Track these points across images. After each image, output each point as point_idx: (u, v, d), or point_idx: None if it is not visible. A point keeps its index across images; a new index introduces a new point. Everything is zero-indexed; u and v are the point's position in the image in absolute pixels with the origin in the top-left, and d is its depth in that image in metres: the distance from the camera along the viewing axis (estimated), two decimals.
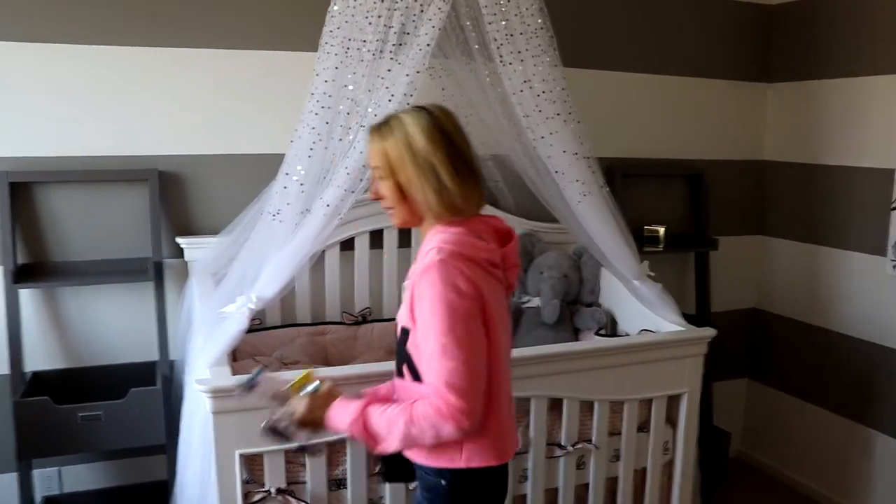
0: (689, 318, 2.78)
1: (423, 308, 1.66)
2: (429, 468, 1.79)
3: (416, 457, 1.80)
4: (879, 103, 3.37)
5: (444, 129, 1.74)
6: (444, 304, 1.62)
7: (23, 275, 2.66)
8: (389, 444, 1.69)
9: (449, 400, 1.61)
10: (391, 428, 1.67)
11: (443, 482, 1.77)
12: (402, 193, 1.77)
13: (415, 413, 1.65)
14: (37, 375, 2.77)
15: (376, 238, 3.05)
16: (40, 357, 2.80)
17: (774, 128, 3.97)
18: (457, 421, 1.61)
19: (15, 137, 2.69)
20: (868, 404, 3.53)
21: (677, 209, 3.84)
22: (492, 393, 1.73)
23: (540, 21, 2.48)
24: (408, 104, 2.23)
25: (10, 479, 2.74)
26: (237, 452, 2.05)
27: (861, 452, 3.57)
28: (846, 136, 3.55)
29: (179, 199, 2.90)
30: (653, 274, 2.82)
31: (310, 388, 1.82)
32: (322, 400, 1.79)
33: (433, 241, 1.73)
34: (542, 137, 2.50)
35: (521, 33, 2.44)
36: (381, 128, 1.78)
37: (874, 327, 3.47)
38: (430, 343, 1.64)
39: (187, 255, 2.85)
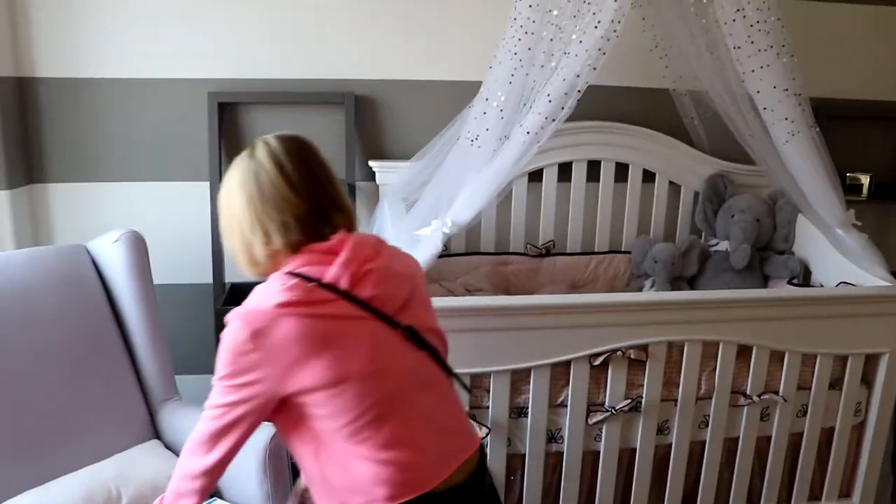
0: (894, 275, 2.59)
1: None
2: None
3: None
4: None
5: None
6: None
7: None
8: None
9: None
10: None
11: None
12: None
13: None
14: (234, 286, 2.95)
15: (565, 170, 3.01)
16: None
17: None
18: None
19: (222, 59, 2.83)
20: None
21: (885, 156, 3.54)
22: None
23: None
24: (614, 31, 2.16)
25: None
26: None
27: None
28: None
29: (373, 124, 2.97)
30: (859, 223, 2.64)
31: None
32: None
33: None
34: (753, 71, 2.37)
35: None
36: None
37: None
38: None
39: (379, 178, 2.93)
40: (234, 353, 1.33)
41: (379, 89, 2.93)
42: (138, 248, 2.25)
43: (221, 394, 1.36)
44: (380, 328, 1.40)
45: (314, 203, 1.42)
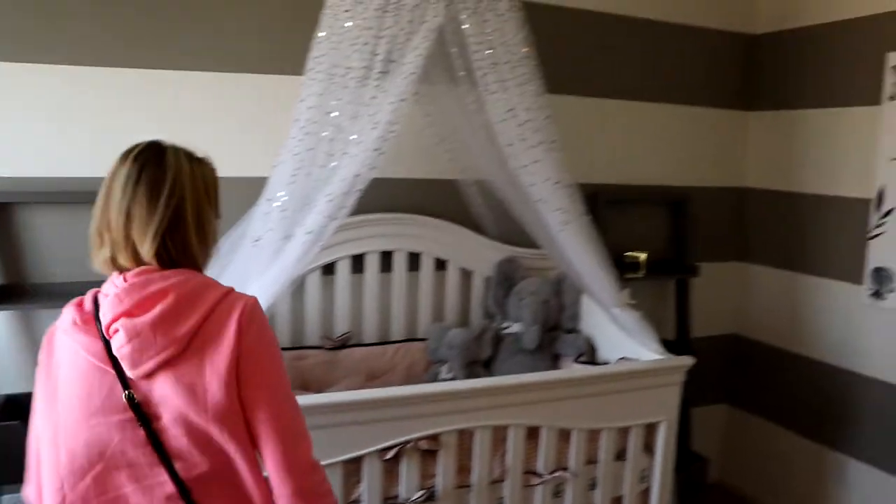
0: (669, 344, 2.79)
1: None
2: None
3: None
4: (857, 134, 3.41)
5: None
6: None
7: (0, 296, 2.64)
8: None
9: None
10: None
11: None
12: None
13: None
14: (10, 399, 2.73)
15: (357, 262, 3.04)
16: (14, 380, 2.75)
17: (756, 155, 4.01)
18: None
19: None
20: (842, 431, 3.55)
21: (659, 235, 3.87)
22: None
23: (525, 49, 2.50)
24: (391, 132, 2.25)
25: None
26: None
27: (835, 479, 3.59)
28: (825, 166, 3.59)
29: None
30: (633, 302, 2.83)
31: None
32: None
33: None
34: (525, 166, 2.52)
35: (506, 62, 2.47)
36: None
37: (849, 355, 3.51)
38: None
39: None
40: None
41: None
42: None
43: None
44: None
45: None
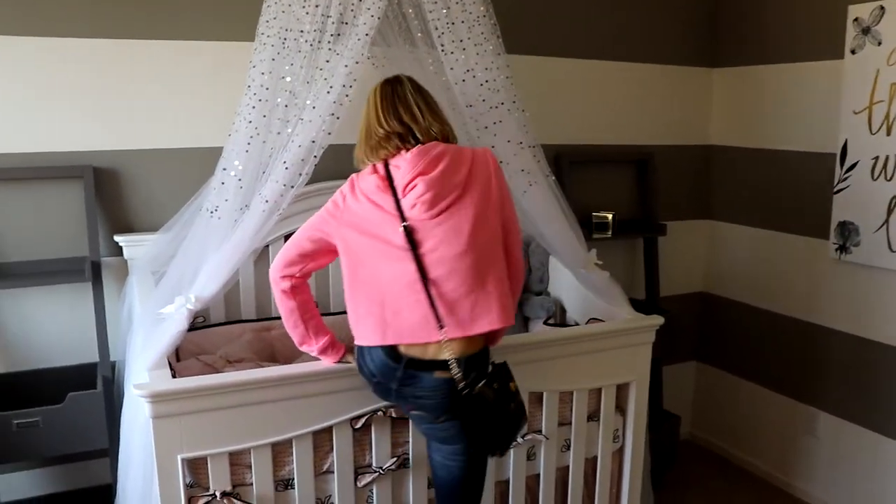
0: (639, 304, 2.79)
1: None
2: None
3: None
4: (822, 88, 3.40)
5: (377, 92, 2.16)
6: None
7: None
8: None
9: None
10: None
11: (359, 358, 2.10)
12: None
13: None
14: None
15: None
16: None
17: (720, 112, 4.00)
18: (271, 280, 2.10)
19: None
20: (811, 384, 3.59)
21: (625, 195, 3.86)
22: (370, 287, 2.02)
23: (482, 9, 2.44)
24: (346, 96, 2.19)
25: None
26: (179, 457, 2.00)
27: (804, 431, 3.63)
28: (789, 121, 3.59)
29: (117, 196, 2.82)
30: (600, 262, 2.81)
31: None
32: None
33: None
34: (486, 127, 2.47)
35: (462, 21, 2.40)
36: None
37: (816, 309, 3.53)
38: None
39: (126, 253, 2.77)
40: None
41: (120, 160, 2.79)
42: None
43: None
44: None
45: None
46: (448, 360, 1.96)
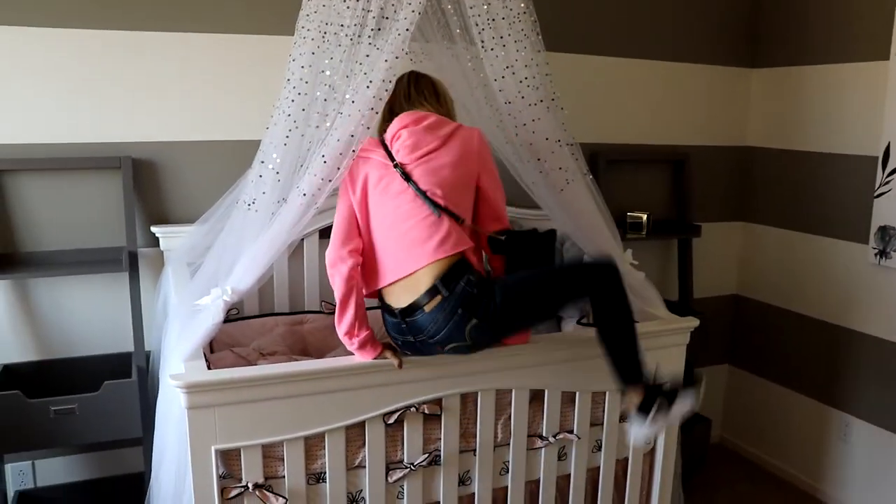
0: (672, 305, 2.75)
1: None
2: None
3: None
4: (863, 90, 3.35)
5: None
6: None
7: None
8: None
9: None
10: None
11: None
12: None
13: None
14: (8, 368, 2.71)
15: None
16: (12, 349, 2.74)
17: (759, 114, 3.94)
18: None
19: None
20: (844, 389, 3.54)
21: (661, 195, 3.82)
22: (370, 239, 2.21)
23: (523, 5, 2.42)
24: (386, 91, 2.19)
25: None
26: (213, 448, 2.00)
27: (837, 437, 3.58)
28: (830, 123, 3.53)
29: (154, 187, 2.84)
30: (636, 262, 2.78)
31: None
32: None
33: None
34: (525, 125, 2.46)
35: (503, 17, 2.39)
36: None
37: (853, 314, 3.48)
38: None
39: (163, 244, 2.80)
40: None
41: (158, 152, 2.82)
42: None
43: None
44: None
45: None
46: (415, 299, 2.12)
